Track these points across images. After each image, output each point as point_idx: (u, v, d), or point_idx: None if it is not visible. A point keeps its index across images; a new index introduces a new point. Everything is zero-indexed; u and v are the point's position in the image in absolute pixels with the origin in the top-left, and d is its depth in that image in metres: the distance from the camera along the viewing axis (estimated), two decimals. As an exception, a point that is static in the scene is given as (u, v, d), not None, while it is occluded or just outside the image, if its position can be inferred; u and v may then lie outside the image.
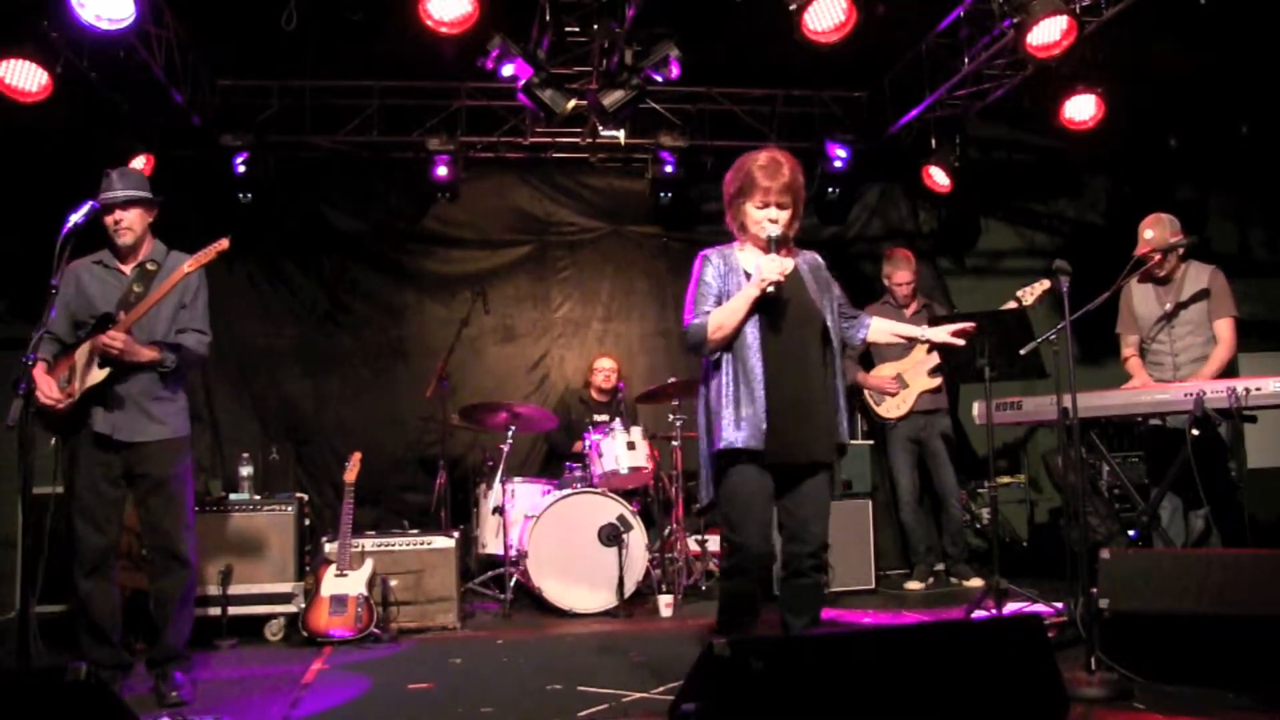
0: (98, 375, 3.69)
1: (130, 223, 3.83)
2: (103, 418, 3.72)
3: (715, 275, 3.34)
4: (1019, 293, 4.98)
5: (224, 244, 3.75)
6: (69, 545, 3.74)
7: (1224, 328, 4.71)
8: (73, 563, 3.74)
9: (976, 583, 5.95)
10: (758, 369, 3.19)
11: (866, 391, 6.17)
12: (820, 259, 3.50)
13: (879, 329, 3.57)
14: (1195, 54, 6.23)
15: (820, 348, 3.31)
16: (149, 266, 3.87)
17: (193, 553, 3.90)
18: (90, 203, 3.44)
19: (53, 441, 3.83)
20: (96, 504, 3.74)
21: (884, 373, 6.12)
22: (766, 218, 3.28)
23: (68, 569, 3.74)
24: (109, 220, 3.81)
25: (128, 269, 3.88)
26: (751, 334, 3.23)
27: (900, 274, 6.14)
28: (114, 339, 3.64)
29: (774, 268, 3.18)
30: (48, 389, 3.66)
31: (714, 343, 3.28)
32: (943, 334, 3.57)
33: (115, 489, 3.80)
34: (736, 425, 3.18)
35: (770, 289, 3.17)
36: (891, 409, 6.07)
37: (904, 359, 6.07)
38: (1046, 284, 4.83)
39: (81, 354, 3.74)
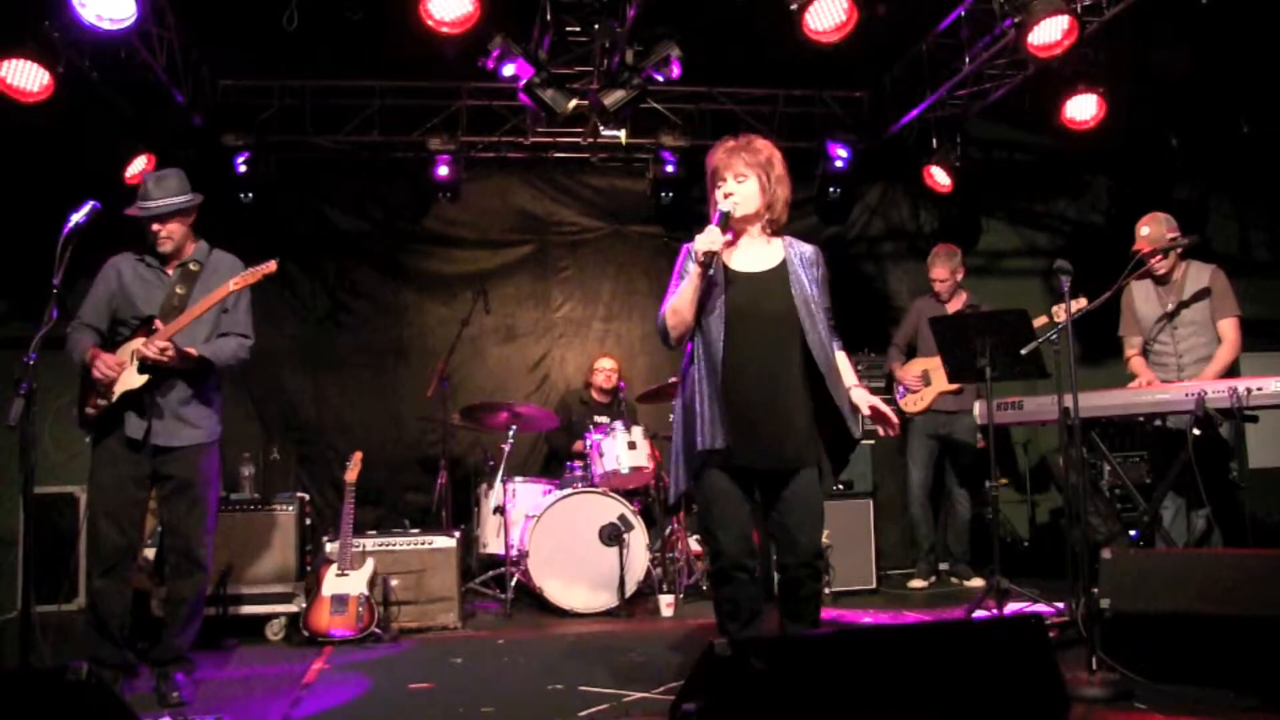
0: (136, 380, 3.69)
1: (170, 232, 3.84)
2: (135, 423, 3.72)
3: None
4: (1054, 309, 4.94)
5: (271, 266, 3.78)
6: (80, 544, 3.74)
7: (1228, 327, 4.69)
8: (89, 560, 3.74)
9: (977, 583, 5.96)
10: (720, 366, 3.07)
11: (896, 383, 6.21)
12: (818, 255, 3.31)
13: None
14: (1195, 54, 6.22)
15: (799, 344, 3.14)
16: (191, 267, 3.88)
17: (209, 557, 3.91)
18: (92, 203, 3.43)
19: (88, 439, 3.83)
20: (121, 505, 3.75)
21: (914, 369, 6.13)
22: (722, 193, 3.17)
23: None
24: (150, 229, 3.81)
25: (170, 269, 3.89)
26: (717, 328, 3.10)
27: (935, 270, 6.12)
28: (163, 347, 3.62)
29: (704, 240, 3.03)
30: (110, 360, 3.66)
31: (673, 330, 3.16)
32: (865, 400, 3.23)
33: (141, 490, 3.81)
34: (704, 424, 3.07)
35: (703, 259, 3.02)
36: (910, 403, 6.10)
37: (936, 356, 6.04)
38: (1084, 302, 4.79)
39: (122, 355, 3.74)
